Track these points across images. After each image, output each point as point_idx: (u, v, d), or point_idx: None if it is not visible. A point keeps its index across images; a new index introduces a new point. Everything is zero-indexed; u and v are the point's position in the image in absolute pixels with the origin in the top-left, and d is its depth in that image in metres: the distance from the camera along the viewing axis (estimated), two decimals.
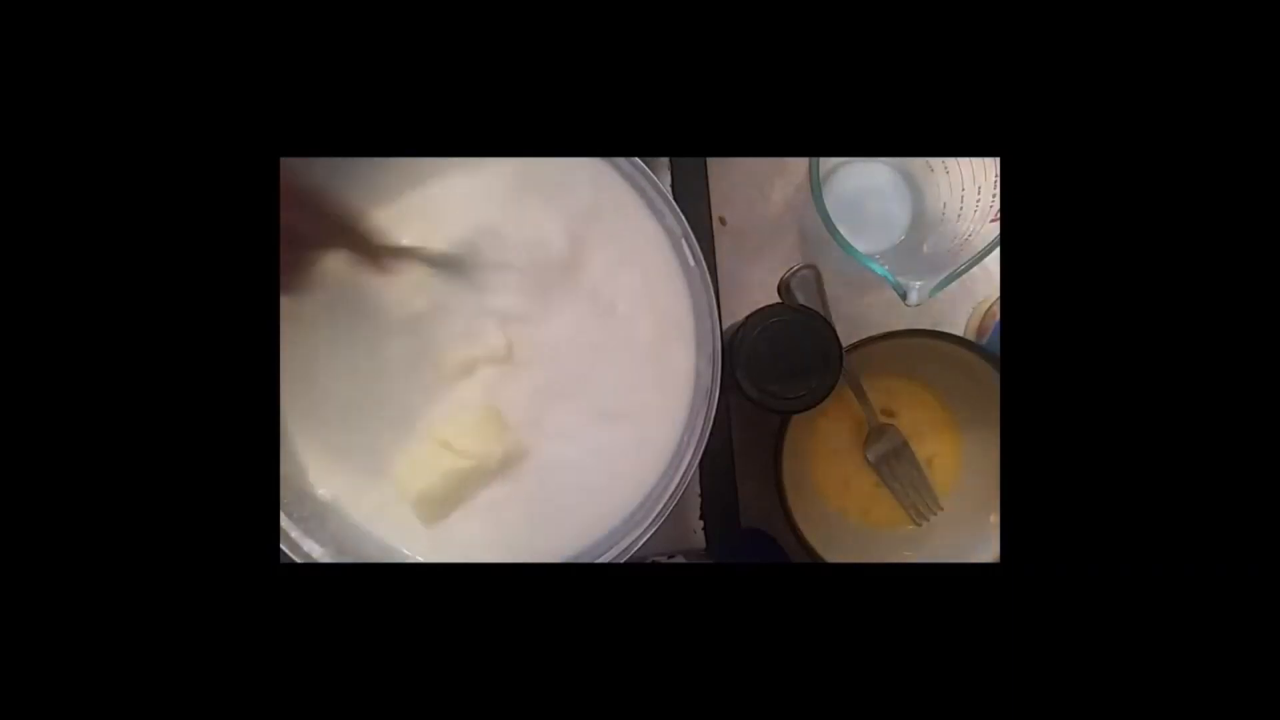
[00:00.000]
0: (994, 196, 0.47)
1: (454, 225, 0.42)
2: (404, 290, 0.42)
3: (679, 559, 0.51)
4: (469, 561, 0.42)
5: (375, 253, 0.40)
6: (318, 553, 0.40)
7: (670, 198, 0.41)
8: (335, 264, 0.40)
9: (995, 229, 0.45)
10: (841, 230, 0.48)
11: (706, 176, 0.55)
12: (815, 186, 0.48)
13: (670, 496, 0.40)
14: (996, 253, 0.45)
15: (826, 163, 0.56)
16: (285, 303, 0.37)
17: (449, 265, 0.42)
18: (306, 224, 0.36)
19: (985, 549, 0.52)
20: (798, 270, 0.47)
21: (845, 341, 0.45)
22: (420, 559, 0.42)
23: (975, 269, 0.46)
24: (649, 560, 0.49)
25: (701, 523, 0.51)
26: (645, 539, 0.40)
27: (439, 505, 0.41)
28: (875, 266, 0.47)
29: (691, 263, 0.41)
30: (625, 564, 0.40)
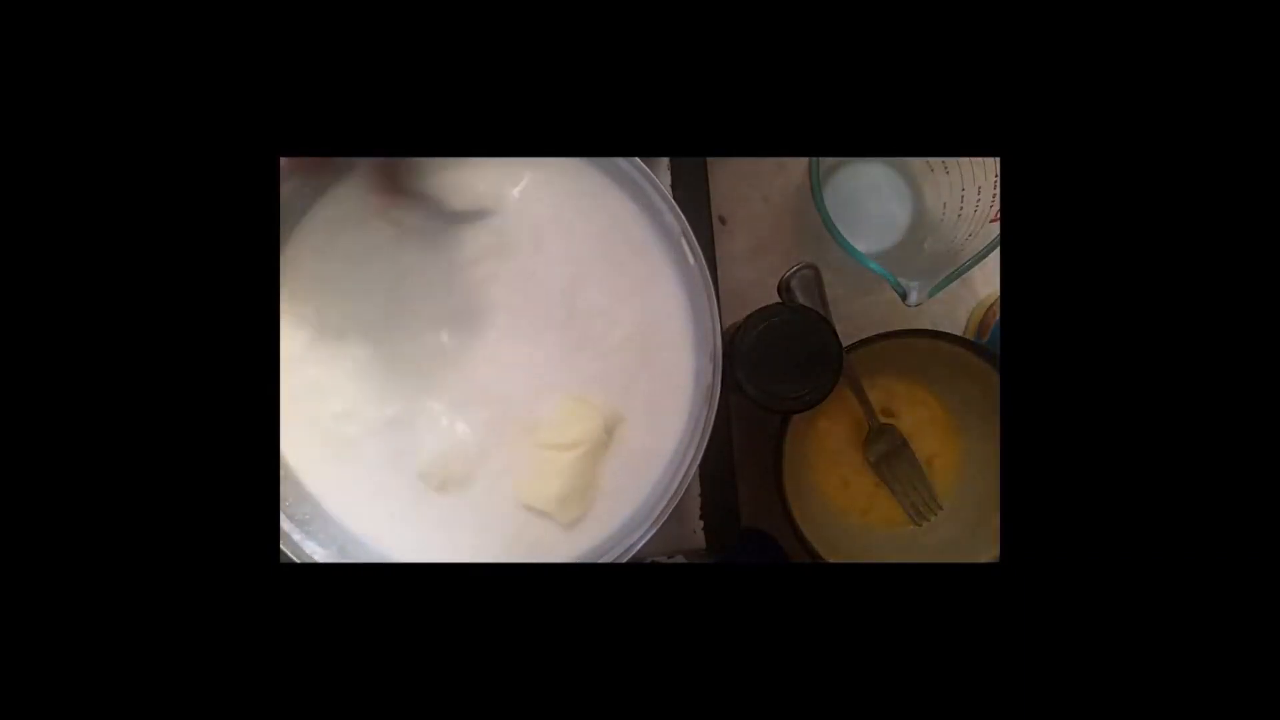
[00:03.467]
0: (994, 196, 0.47)
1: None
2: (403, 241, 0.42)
3: (679, 559, 0.50)
4: (468, 562, 0.42)
5: (393, 186, 0.40)
6: (319, 554, 0.40)
7: (670, 197, 0.41)
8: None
9: (995, 229, 0.45)
10: (841, 230, 0.48)
11: (706, 176, 0.55)
12: (815, 186, 0.48)
13: (671, 497, 0.40)
14: (996, 253, 0.45)
15: (826, 163, 0.56)
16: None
17: (458, 220, 0.42)
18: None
19: (985, 549, 0.52)
20: (798, 270, 0.47)
21: (845, 341, 0.45)
22: (419, 559, 0.42)
23: (975, 269, 0.46)
24: (649, 560, 0.49)
25: (701, 523, 0.51)
26: (645, 539, 0.40)
27: (579, 500, 0.42)
28: (875, 267, 0.47)
29: (691, 262, 0.41)
30: (625, 564, 0.40)
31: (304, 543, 0.40)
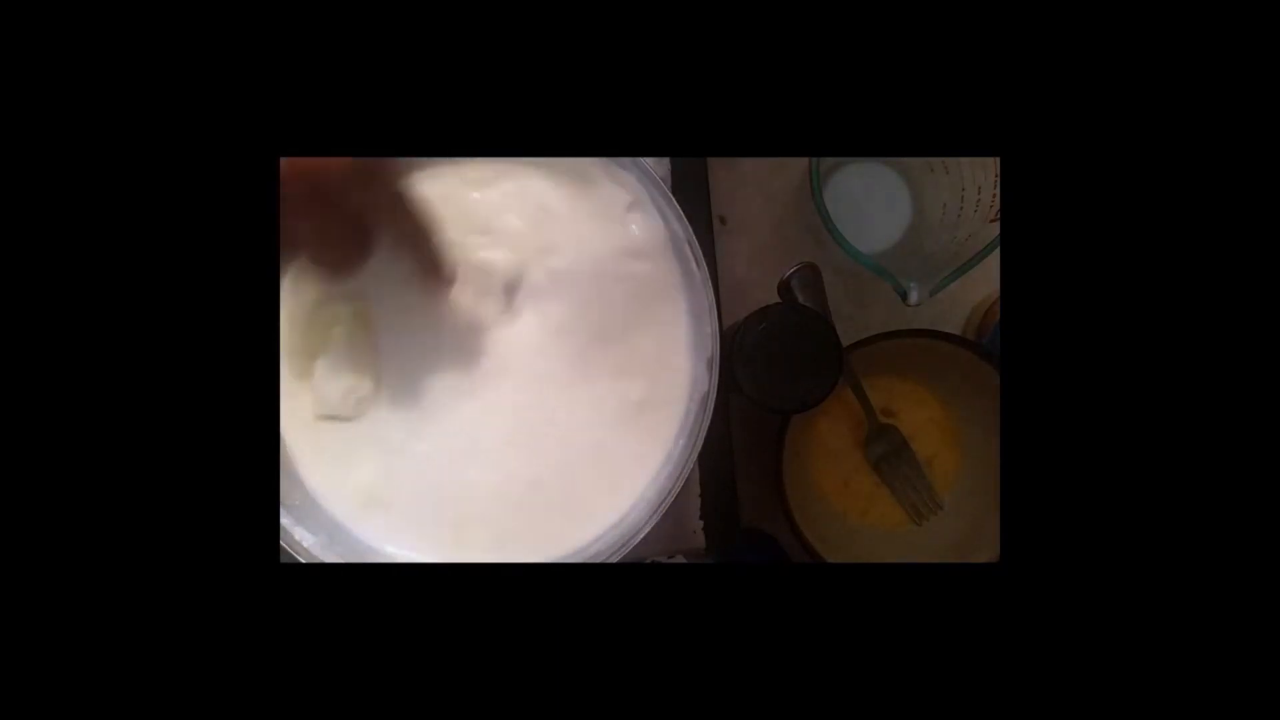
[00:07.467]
0: (994, 196, 0.47)
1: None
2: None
3: (679, 559, 0.51)
4: (463, 561, 0.42)
5: (439, 266, 0.40)
6: (309, 541, 0.40)
7: (675, 202, 0.41)
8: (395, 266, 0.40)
9: (995, 229, 0.45)
10: (841, 230, 0.48)
11: (706, 176, 0.55)
12: (815, 186, 0.48)
13: (667, 495, 0.40)
14: (996, 253, 0.45)
15: (826, 163, 0.56)
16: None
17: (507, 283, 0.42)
18: (370, 200, 0.36)
19: (985, 549, 0.53)
20: (798, 270, 0.47)
21: (845, 341, 0.45)
22: (411, 552, 0.42)
23: (975, 269, 0.46)
24: (649, 560, 0.49)
25: (701, 523, 0.51)
26: (639, 538, 0.40)
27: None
28: (875, 266, 0.47)
29: (694, 267, 0.41)
30: (625, 564, 0.40)
31: (293, 528, 0.40)
